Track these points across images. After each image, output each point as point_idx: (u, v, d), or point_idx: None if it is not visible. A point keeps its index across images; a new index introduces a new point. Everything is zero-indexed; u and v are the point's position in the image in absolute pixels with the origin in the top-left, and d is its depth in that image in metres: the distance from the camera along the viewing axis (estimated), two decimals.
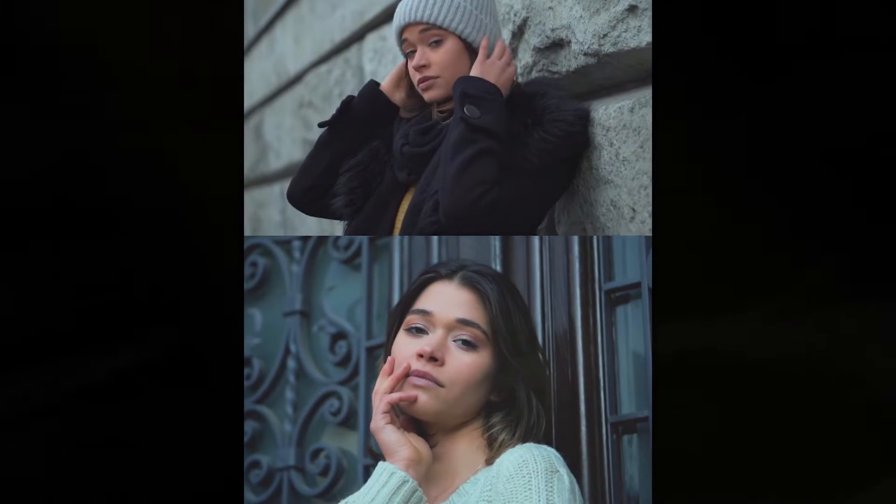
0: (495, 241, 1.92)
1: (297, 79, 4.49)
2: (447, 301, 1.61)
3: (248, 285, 2.39)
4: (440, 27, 1.96)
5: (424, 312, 1.61)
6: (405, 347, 1.60)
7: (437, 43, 1.97)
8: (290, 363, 2.30)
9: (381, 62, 3.37)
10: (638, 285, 1.79)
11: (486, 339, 1.59)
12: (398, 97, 2.10)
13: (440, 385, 1.56)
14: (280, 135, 4.56)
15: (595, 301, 1.83)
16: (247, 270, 2.40)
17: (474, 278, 1.63)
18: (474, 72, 1.95)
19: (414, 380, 1.56)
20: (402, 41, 2.02)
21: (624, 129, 1.84)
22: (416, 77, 2.00)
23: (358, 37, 3.70)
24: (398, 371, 1.57)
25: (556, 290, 1.85)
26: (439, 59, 1.97)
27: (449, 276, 1.64)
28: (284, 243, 2.42)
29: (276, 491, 2.23)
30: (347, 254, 2.28)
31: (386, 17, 3.39)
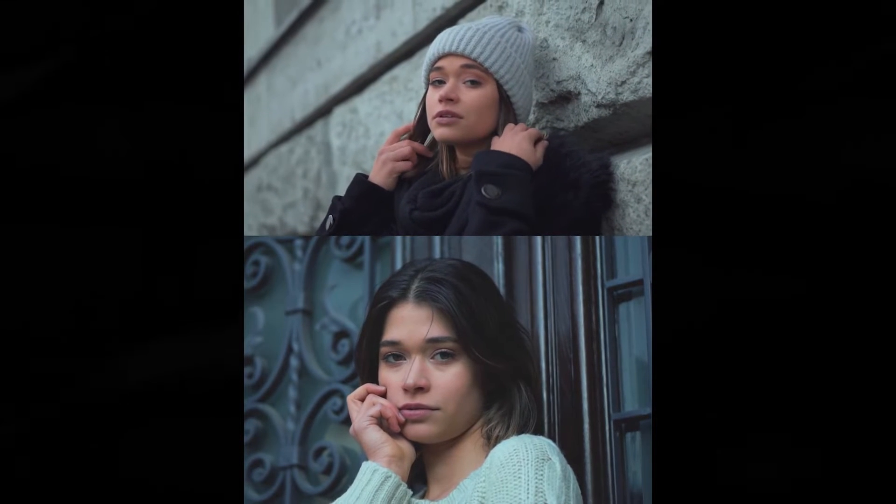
0: (497, 241, 1.92)
1: (252, 162, 4.29)
2: (411, 324, 1.61)
3: (250, 284, 2.39)
4: (486, 69, 1.85)
5: (394, 343, 1.62)
6: (391, 379, 1.62)
7: (475, 84, 1.86)
8: (293, 361, 2.30)
9: (350, 136, 3.17)
10: (640, 282, 1.79)
11: (459, 347, 1.60)
12: (392, 181, 2.01)
13: (436, 409, 1.58)
14: None
15: (597, 298, 1.83)
16: (249, 269, 2.40)
17: (428, 290, 1.61)
18: (493, 145, 1.83)
19: (410, 414, 1.59)
20: (434, 68, 1.89)
21: None
22: (434, 110, 1.87)
23: (324, 111, 3.49)
24: (388, 411, 1.60)
25: (559, 287, 1.85)
26: (472, 100, 1.86)
27: (402, 296, 1.62)
28: (286, 242, 2.42)
29: (279, 489, 2.23)
30: (349, 252, 2.28)
31: (355, 88, 3.18)
